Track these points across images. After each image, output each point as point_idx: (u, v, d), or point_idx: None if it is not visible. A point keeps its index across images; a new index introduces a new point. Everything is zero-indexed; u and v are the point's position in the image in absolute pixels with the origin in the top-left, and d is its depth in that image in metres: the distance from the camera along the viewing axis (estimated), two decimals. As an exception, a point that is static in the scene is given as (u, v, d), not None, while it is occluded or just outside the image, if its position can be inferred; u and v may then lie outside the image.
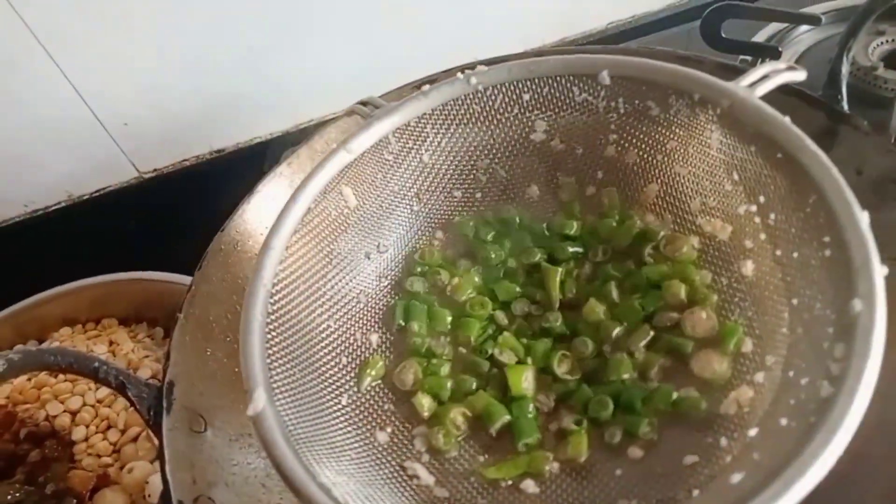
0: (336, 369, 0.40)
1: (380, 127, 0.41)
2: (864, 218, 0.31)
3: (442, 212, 0.47)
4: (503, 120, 0.44)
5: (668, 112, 0.40)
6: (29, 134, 0.70)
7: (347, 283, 0.43)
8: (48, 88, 0.67)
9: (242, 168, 0.78)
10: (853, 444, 0.26)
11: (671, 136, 0.41)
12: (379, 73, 0.78)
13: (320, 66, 0.76)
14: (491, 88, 0.42)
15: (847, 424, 0.26)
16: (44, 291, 0.68)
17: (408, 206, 0.46)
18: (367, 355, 0.42)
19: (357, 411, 0.40)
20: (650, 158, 0.43)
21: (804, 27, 0.75)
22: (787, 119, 0.35)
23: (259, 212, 0.49)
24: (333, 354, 0.40)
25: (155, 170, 0.78)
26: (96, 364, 0.39)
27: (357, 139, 0.40)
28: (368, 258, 0.44)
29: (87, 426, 0.60)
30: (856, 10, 0.74)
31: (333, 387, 0.39)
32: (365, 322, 0.43)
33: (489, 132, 0.44)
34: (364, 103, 0.43)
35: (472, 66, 0.51)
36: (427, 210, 0.46)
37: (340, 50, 0.76)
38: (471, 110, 0.43)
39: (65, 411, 0.60)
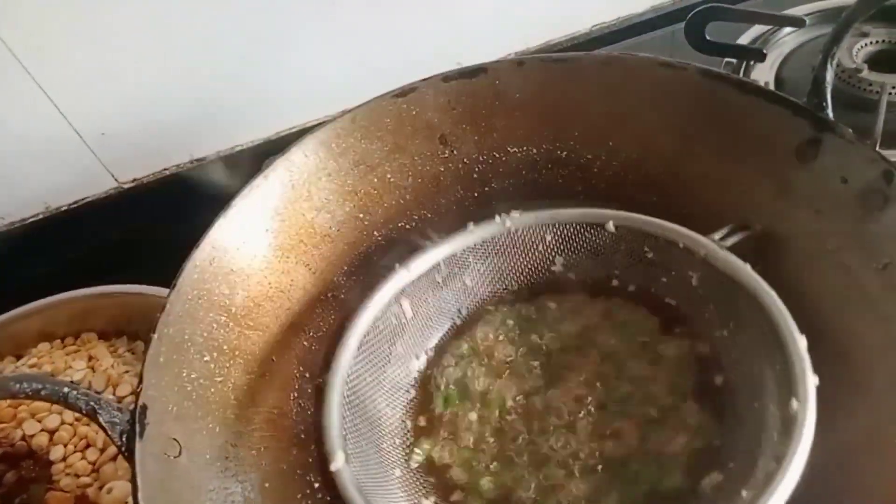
0: (391, 447, 0.47)
1: (433, 254, 0.50)
2: (802, 342, 0.39)
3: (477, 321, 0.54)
4: (530, 253, 0.52)
5: (660, 254, 0.49)
6: (4, 145, 0.69)
7: (401, 378, 0.50)
8: (24, 100, 0.66)
9: (224, 176, 0.78)
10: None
11: (662, 273, 0.50)
12: (360, 80, 0.77)
13: (300, 74, 0.75)
14: (521, 229, 0.51)
15: (783, 490, 0.35)
16: (21, 306, 0.67)
17: (450, 319, 0.53)
18: (414, 437, 0.49)
19: (407, 482, 0.45)
20: (646, 290, 0.52)
21: (788, 28, 0.75)
22: (748, 266, 0.43)
23: (235, 227, 0.48)
24: (389, 434, 0.47)
25: (134, 180, 0.77)
26: (65, 389, 0.37)
27: (415, 262, 0.49)
28: (417, 358, 0.51)
29: (66, 445, 0.58)
30: (839, 12, 0.75)
31: (389, 460, 0.46)
32: (413, 409, 0.50)
33: (518, 262, 0.53)
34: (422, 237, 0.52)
35: (454, 76, 0.51)
36: (465, 320, 0.54)
37: (320, 57, 0.75)
38: (505, 244, 0.52)
39: (42, 430, 0.59)
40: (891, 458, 0.38)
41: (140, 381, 0.41)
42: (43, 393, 0.37)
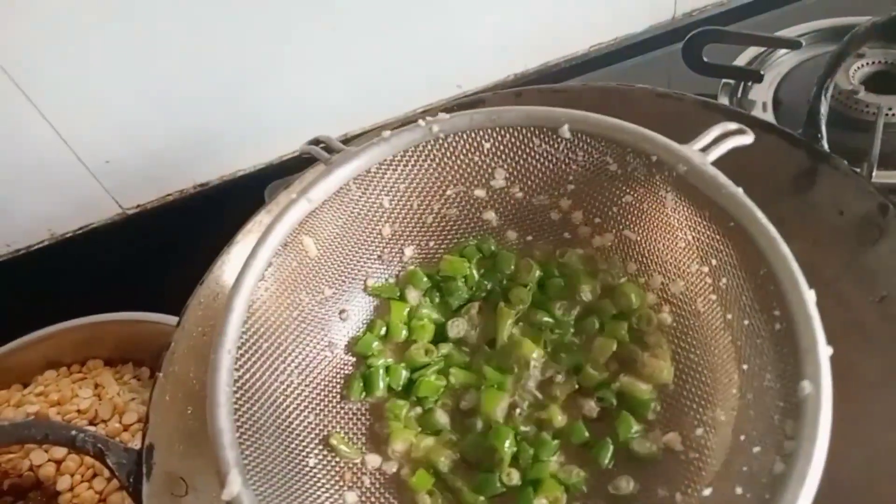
0: (307, 432, 0.40)
1: (340, 173, 0.41)
2: (811, 297, 0.32)
3: (400, 261, 0.47)
4: (464, 166, 0.44)
5: (625, 169, 0.41)
6: (8, 173, 0.69)
7: (317, 343, 0.43)
8: (27, 128, 0.66)
9: (228, 201, 0.78)
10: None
11: (627, 191, 0.42)
12: (361, 103, 0.78)
13: (300, 99, 0.76)
14: (452, 136, 0.42)
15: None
16: (27, 335, 0.67)
17: (370, 255, 0.46)
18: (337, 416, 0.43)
19: (327, 473, 0.40)
20: (605, 210, 0.44)
21: (784, 49, 0.75)
22: (739, 190, 0.36)
23: (239, 261, 0.48)
24: (303, 416, 0.40)
25: (138, 206, 0.77)
26: (73, 433, 0.38)
27: (318, 187, 0.40)
28: (340, 317, 0.45)
29: (73, 475, 0.59)
30: (835, 31, 0.75)
31: (301, 447, 0.39)
32: (336, 383, 0.43)
33: (450, 178, 0.45)
34: (317, 142, 0.43)
35: (452, 108, 0.51)
36: (389, 259, 0.47)
37: (320, 82, 0.75)
38: (432, 155, 0.43)
39: (49, 460, 0.59)
40: (887, 492, 0.38)
41: (146, 421, 0.41)
42: (51, 438, 0.37)
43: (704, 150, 0.38)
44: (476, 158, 0.43)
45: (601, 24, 0.83)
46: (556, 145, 0.42)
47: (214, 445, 0.32)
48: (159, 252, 0.76)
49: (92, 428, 0.62)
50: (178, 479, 0.40)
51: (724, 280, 0.38)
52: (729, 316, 0.37)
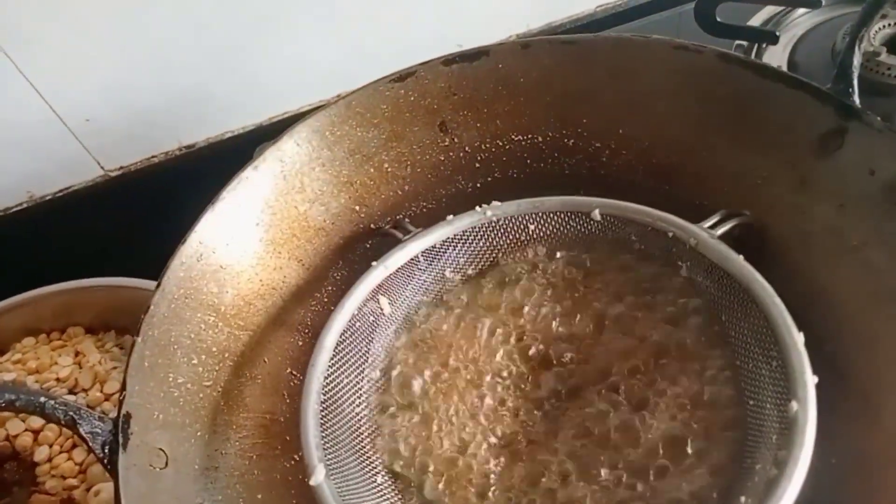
0: (372, 454, 0.44)
1: (411, 247, 0.48)
2: (800, 338, 0.37)
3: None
4: (512, 244, 0.50)
5: (647, 244, 0.47)
6: (-16, 132, 0.66)
7: (380, 379, 0.48)
8: (3, 86, 0.63)
9: (215, 164, 0.74)
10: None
11: (648, 264, 0.48)
12: (356, 65, 0.74)
13: (294, 58, 0.73)
14: (503, 219, 0.49)
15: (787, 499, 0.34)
16: (4, 300, 0.64)
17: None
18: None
19: (390, 492, 0.43)
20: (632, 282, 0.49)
21: (802, 10, 0.72)
22: (741, 257, 0.41)
23: (223, 221, 0.46)
24: (370, 441, 0.44)
25: (121, 167, 0.74)
26: (42, 399, 0.35)
27: (393, 257, 0.47)
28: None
29: (51, 445, 0.56)
30: (857, -8, 0.72)
31: (370, 469, 0.43)
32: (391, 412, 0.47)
33: (500, 254, 0.51)
34: (396, 226, 0.51)
35: (454, 59, 0.48)
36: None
37: (315, 41, 0.72)
38: (486, 235, 0.50)
39: (26, 430, 0.56)
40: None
41: (123, 388, 0.38)
42: (18, 404, 0.34)
43: (713, 226, 0.44)
44: (523, 237, 0.50)
45: (609, -17, 0.80)
46: (588, 227, 0.48)
47: (305, 447, 0.39)
48: (143, 215, 0.73)
49: (71, 397, 0.59)
50: (158, 451, 0.38)
51: (732, 333, 0.43)
52: (738, 363, 0.43)
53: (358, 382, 0.46)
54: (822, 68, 0.67)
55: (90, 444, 0.36)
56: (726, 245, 0.42)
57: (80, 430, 0.36)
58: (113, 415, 0.38)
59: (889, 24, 0.66)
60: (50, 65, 0.64)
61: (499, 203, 0.49)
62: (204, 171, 0.72)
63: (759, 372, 0.40)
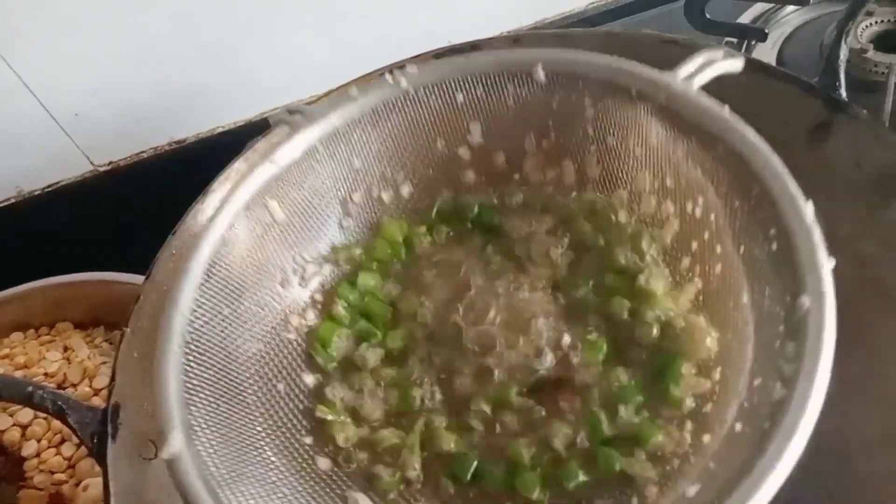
0: (269, 396, 0.37)
1: (306, 135, 0.38)
2: (808, 208, 0.30)
3: (373, 218, 0.44)
4: (437, 122, 0.42)
5: (605, 107, 0.39)
6: (-28, 126, 0.65)
7: (276, 310, 0.40)
8: (-8, 79, 0.63)
9: (206, 160, 0.74)
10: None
11: (609, 132, 0.40)
12: (346, 61, 0.74)
13: (284, 54, 0.72)
14: (422, 89, 0.40)
15: (801, 429, 0.26)
16: (-7, 295, 0.64)
17: (336, 220, 0.43)
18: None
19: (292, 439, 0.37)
20: (589, 157, 0.41)
21: (791, 7, 0.72)
22: (726, 108, 0.34)
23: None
24: (265, 381, 0.37)
25: (111, 163, 0.74)
26: (30, 389, 0.35)
27: (282, 149, 0.38)
28: (303, 279, 0.41)
29: (39, 440, 0.56)
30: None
31: (268, 420, 0.36)
32: (295, 355, 0.40)
33: (424, 135, 0.42)
34: (291, 112, 0.40)
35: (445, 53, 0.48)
36: (358, 220, 0.44)
37: (305, 37, 0.72)
38: (403, 112, 0.41)
39: (14, 425, 0.56)
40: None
41: (112, 378, 0.38)
42: (5, 393, 0.34)
43: (689, 77, 0.35)
44: (449, 113, 0.41)
45: (599, -20, 0.80)
46: (531, 91, 0.39)
47: (157, 402, 0.31)
48: (133, 211, 0.73)
49: (60, 392, 0.59)
50: (147, 441, 0.37)
51: (716, 211, 0.36)
52: (720, 249, 0.36)
53: (245, 313, 0.37)
54: (810, 65, 0.68)
55: (79, 433, 0.36)
56: (706, 95, 0.35)
57: (69, 420, 0.36)
58: (103, 406, 0.38)
59: (876, 22, 0.67)
60: (39, 59, 0.63)
61: (415, 68, 0.40)
62: (194, 167, 0.72)
63: (756, 258, 0.33)
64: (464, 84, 0.40)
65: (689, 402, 0.35)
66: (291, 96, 0.76)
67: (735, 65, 0.37)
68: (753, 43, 0.70)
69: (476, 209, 0.44)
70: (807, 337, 0.27)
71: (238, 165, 0.47)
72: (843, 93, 0.43)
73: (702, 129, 0.34)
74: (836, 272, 0.37)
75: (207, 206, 0.45)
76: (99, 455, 0.36)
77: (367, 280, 0.42)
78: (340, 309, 0.41)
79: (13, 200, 0.72)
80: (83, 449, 0.56)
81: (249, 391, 0.36)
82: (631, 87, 0.36)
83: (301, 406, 0.38)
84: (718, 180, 0.35)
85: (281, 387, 0.38)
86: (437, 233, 0.44)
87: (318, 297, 0.42)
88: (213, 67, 0.71)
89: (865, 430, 0.38)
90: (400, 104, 0.40)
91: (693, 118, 0.35)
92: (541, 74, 0.38)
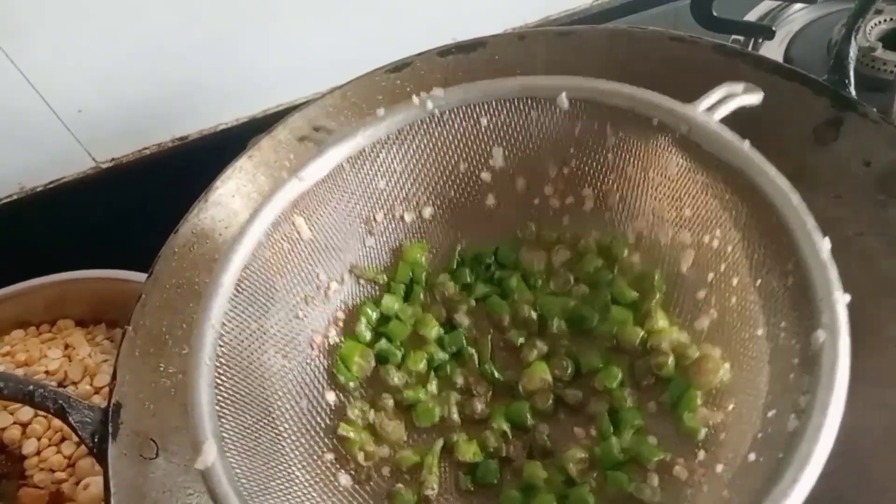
0: (293, 412, 0.38)
1: (333, 153, 0.39)
2: (825, 245, 0.30)
3: (395, 238, 0.45)
4: (461, 145, 0.42)
5: (627, 136, 0.39)
6: (-26, 123, 0.65)
7: (300, 322, 0.40)
8: (-6, 75, 0.62)
9: (208, 156, 0.74)
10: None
11: (630, 161, 0.40)
12: (350, 57, 0.73)
13: (288, 49, 0.72)
14: (447, 112, 0.40)
15: (815, 459, 0.26)
16: (-6, 292, 0.64)
17: (359, 239, 0.43)
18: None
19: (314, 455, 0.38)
20: (608, 185, 0.42)
21: (798, 5, 0.72)
22: (746, 143, 0.34)
23: (217, 210, 0.45)
24: (290, 397, 0.38)
25: (113, 159, 0.73)
26: (30, 388, 0.35)
27: (309, 167, 0.38)
28: (326, 297, 0.42)
29: (39, 439, 0.56)
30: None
31: (288, 445, 0.37)
32: (320, 371, 0.41)
33: (446, 156, 0.43)
34: (317, 129, 0.42)
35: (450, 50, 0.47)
36: (380, 239, 0.44)
37: (309, 32, 0.71)
38: (428, 134, 0.41)
39: (14, 423, 0.56)
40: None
41: (113, 377, 0.38)
42: (6, 392, 0.34)
43: (710, 109, 0.36)
44: (473, 136, 0.42)
45: (605, -23, 0.80)
46: (554, 118, 0.40)
47: (191, 418, 0.31)
48: (135, 208, 0.72)
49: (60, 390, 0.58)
50: (149, 440, 0.37)
51: (735, 242, 0.36)
52: (736, 280, 0.36)
53: (272, 328, 0.38)
54: (818, 64, 0.67)
55: (79, 433, 0.36)
56: (727, 129, 0.35)
57: (70, 419, 0.36)
58: (104, 405, 0.37)
59: (885, 20, 0.66)
60: (42, 56, 0.63)
61: (441, 91, 0.40)
62: (197, 164, 0.72)
63: (772, 292, 0.33)
64: (488, 108, 0.40)
65: (703, 433, 0.36)
66: (294, 92, 0.76)
67: (755, 98, 0.37)
68: (761, 41, 0.69)
69: (494, 254, 0.45)
70: (821, 370, 0.28)
71: (241, 163, 0.47)
72: (853, 90, 0.42)
73: (722, 161, 0.35)
74: (844, 270, 0.38)
75: (210, 204, 0.45)
76: (99, 454, 0.36)
77: (391, 303, 0.43)
78: (363, 328, 0.42)
79: (15, 197, 0.71)
80: (84, 447, 0.56)
81: (275, 406, 0.37)
82: (652, 117, 0.37)
83: (324, 424, 0.39)
84: (737, 213, 0.35)
85: (304, 403, 0.39)
86: (458, 277, 0.45)
87: (341, 314, 0.43)
88: (215, 63, 0.70)
89: (872, 433, 0.37)
90: (426, 126, 0.41)
91: (713, 150, 0.35)
92: (564, 102, 0.39)
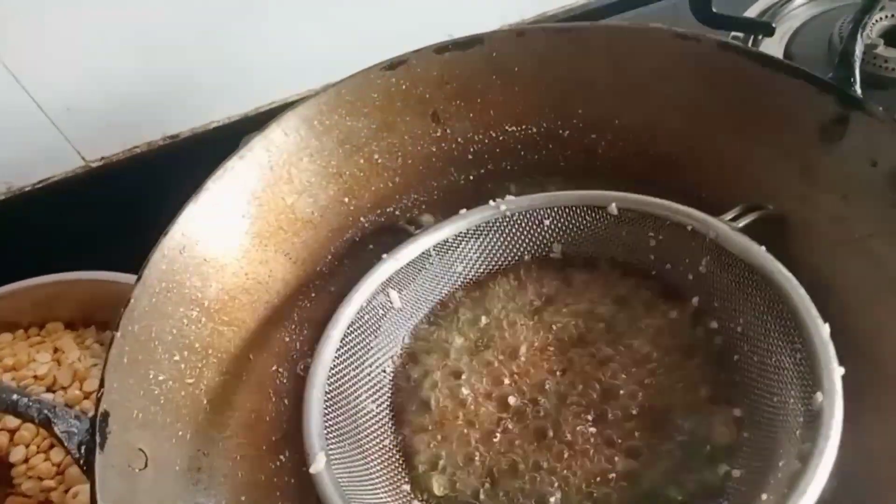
0: (376, 449, 0.43)
1: (423, 241, 0.48)
2: (825, 329, 0.37)
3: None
4: (525, 239, 0.50)
5: (666, 239, 0.46)
6: (-41, 120, 0.64)
7: (388, 372, 0.47)
8: (-23, 71, 0.61)
9: (200, 155, 0.73)
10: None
11: (668, 259, 0.47)
12: (345, 53, 0.72)
13: (281, 46, 0.71)
14: (517, 214, 0.48)
15: (811, 493, 0.33)
16: (-20, 294, 0.63)
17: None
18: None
19: (394, 488, 0.42)
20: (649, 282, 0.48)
21: (798, 1, 0.71)
22: (762, 248, 0.41)
23: (207, 212, 0.44)
24: (374, 435, 0.44)
25: (102, 158, 0.72)
26: (14, 397, 0.33)
27: (404, 250, 0.47)
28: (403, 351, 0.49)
29: (27, 446, 0.54)
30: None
31: (373, 464, 0.42)
32: (399, 406, 0.46)
33: (513, 248, 0.50)
34: (410, 223, 0.51)
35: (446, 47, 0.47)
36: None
37: (302, 28, 0.70)
38: (500, 230, 0.49)
39: (2, 430, 0.55)
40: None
41: (101, 385, 0.37)
42: (-13, 402, 0.32)
43: (734, 219, 0.44)
44: (538, 233, 0.49)
45: (603, -27, 0.79)
46: (604, 222, 0.48)
47: (306, 437, 0.39)
48: (125, 208, 0.71)
49: (49, 395, 0.57)
50: (138, 451, 0.36)
51: (752, 328, 0.42)
52: (756, 358, 0.42)
53: (364, 376, 0.45)
54: (818, 60, 0.66)
55: (66, 444, 0.34)
56: (747, 237, 0.42)
57: (55, 429, 0.34)
58: (91, 413, 0.36)
59: (887, 17, 0.66)
60: (30, 52, 0.62)
61: (513, 197, 0.48)
62: (188, 162, 0.70)
63: (783, 365, 0.39)
64: (551, 212, 0.48)
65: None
66: (286, 90, 0.75)
67: (770, 214, 0.45)
68: (760, 37, 0.69)
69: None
70: (820, 424, 0.35)
71: (232, 164, 0.46)
72: (858, 89, 0.41)
73: (742, 261, 0.42)
74: (852, 272, 0.42)
75: (201, 205, 0.44)
76: (86, 465, 0.34)
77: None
78: None
79: (3, 197, 0.70)
80: (73, 454, 0.55)
81: (365, 439, 0.43)
82: (687, 225, 0.44)
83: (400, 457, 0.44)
84: (755, 303, 0.42)
85: (387, 441, 0.44)
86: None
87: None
88: (206, 60, 0.70)
89: (881, 437, 0.37)
90: (498, 223, 0.49)
91: (736, 252, 0.42)
92: (614, 209, 0.46)
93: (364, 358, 0.46)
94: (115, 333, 0.39)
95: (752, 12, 0.71)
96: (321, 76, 0.74)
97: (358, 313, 0.45)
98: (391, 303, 0.47)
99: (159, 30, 0.65)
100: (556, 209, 0.48)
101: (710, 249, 0.44)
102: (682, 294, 0.47)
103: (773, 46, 0.69)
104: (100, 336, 0.64)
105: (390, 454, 0.44)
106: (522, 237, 0.50)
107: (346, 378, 0.44)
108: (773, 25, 0.67)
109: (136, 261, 0.45)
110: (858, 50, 0.41)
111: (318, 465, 0.38)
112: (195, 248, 0.43)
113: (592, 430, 0.42)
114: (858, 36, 0.41)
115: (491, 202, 0.48)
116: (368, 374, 0.46)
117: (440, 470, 0.43)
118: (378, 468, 0.42)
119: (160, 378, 0.39)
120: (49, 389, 0.58)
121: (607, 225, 0.48)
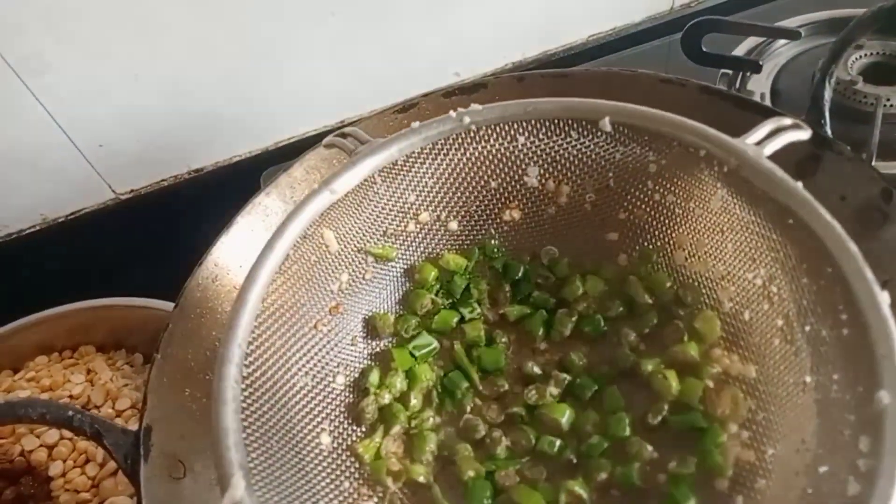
0: (315, 456, 0.38)
1: (365, 165, 0.39)
2: (885, 298, 0.28)
3: (426, 255, 0.46)
4: (496, 162, 0.42)
5: (670, 165, 0.39)
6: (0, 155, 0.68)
7: (329, 339, 0.42)
8: (20, 111, 0.66)
9: (223, 187, 0.77)
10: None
11: (670, 190, 0.40)
12: (359, 92, 0.78)
13: (300, 86, 0.75)
14: (484, 128, 0.40)
15: None
16: (18, 319, 0.66)
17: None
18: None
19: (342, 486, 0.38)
20: (644, 213, 0.42)
21: (783, 40, 0.75)
22: (799, 184, 0.33)
23: (237, 243, 0.48)
24: (316, 422, 0.39)
25: (132, 191, 0.77)
26: (69, 413, 0.37)
27: (341, 178, 0.38)
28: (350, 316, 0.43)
29: (65, 461, 0.58)
30: (834, 23, 0.75)
31: (317, 460, 0.38)
32: (349, 395, 0.42)
33: (480, 172, 0.43)
34: (344, 135, 0.41)
35: (454, 91, 0.51)
36: (407, 256, 0.45)
37: (318, 68, 0.75)
38: (462, 149, 0.41)
39: (41, 445, 0.58)
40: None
41: (144, 402, 0.41)
42: (48, 417, 0.37)
43: (759, 143, 0.35)
44: (509, 153, 0.41)
45: (600, 14, 0.83)
46: (594, 140, 0.40)
47: (217, 446, 0.30)
48: (152, 238, 0.75)
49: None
50: (177, 461, 0.40)
51: (777, 284, 0.35)
52: (780, 322, 0.34)
53: (296, 348, 0.37)
54: (803, 96, 0.70)
55: (114, 455, 0.38)
56: (779, 167, 0.33)
57: (105, 441, 0.38)
58: (135, 428, 0.40)
59: (865, 55, 0.70)
60: (66, 93, 0.66)
61: (479, 106, 0.39)
62: (211, 194, 0.76)
63: (822, 340, 0.31)
64: (527, 126, 0.40)
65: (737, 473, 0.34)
66: (304, 126, 0.79)
67: (803, 135, 0.36)
68: (748, 74, 0.73)
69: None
70: (885, 435, 0.26)
71: (259, 199, 0.50)
72: (829, 130, 0.45)
73: (771, 199, 0.33)
74: None
75: (232, 238, 0.48)
76: (132, 475, 0.38)
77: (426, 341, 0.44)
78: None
79: (38, 227, 0.75)
80: (106, 469, 0.58)
81: (298, 427, 0.37)
82: (699, 149, 0.36)
83: (346, 444, 0.40)
84: (785, 254, 0.34)
85: (327, 425, 0.39)
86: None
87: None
88: (229, 97, 0.74)
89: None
90: (460, 141, 0.40)
91: (764, 187, 0.34)
92: (607, 125, 0.38)
93: (293, 322, 0.37)
94: (155, 356, 0.42)
95: (739, 51, 0.75)
96: (336, 113, 0.78)
97: (283, 264, 0.35)
98: (326, 246, 0.39)
99: (186, 72, 0.70)
100: (533, 123, 0.39)
101: (727, 181, 0.35)
102: (682, 233, 0.40)
103: (760, 83, 0.73)
104: (129, 358, 0.68)
105: (336, 445, 0.39)
106: (490, 158, 0.41)
107: (270, 351, 0.35)
108: (760, 63, 0.71)
109: (162, 287, 0.48)
110: (827, 95, 0.45)
111: (236, 491, 0.29)
112: (226, 277, 0.47)
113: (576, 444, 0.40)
114: (826, 83, 0.45)
115: (451, 112, 0.39)
116: (301, 343, 0.38)
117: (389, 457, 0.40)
118: (316, 466, 0.37)
119: (197, 395, 0.43)
120: (84, 408, 0.62)
121: (597, 145, 0.40)
